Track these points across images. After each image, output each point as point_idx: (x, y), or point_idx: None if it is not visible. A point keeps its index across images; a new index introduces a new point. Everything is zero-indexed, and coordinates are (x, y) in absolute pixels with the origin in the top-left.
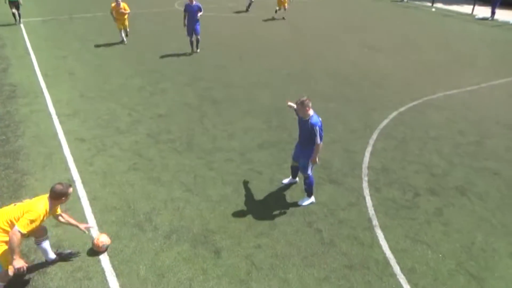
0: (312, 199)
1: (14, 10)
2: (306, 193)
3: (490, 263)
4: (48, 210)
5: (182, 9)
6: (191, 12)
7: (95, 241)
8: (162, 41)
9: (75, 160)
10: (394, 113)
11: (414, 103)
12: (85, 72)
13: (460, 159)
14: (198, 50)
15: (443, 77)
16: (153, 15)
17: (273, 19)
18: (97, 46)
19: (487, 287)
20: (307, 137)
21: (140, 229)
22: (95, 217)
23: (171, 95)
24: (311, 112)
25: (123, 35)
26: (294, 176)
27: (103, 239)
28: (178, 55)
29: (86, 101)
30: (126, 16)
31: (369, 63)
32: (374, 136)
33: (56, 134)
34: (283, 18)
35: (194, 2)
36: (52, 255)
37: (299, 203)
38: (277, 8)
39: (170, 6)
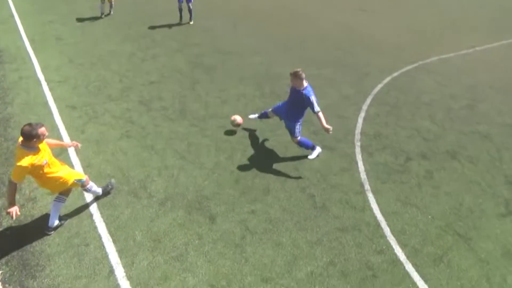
0: (318, 149)
1: None
2: (308, 150)
3: (478, 223)
4: (28, 154)
5: None
6: None
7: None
8: (152, 4)
9: (67, 128)
10: (388, 78)
11: (408, 67)
12: (74, 38)
13: (451, 123)
14: (192, 22)
15: (437, 40)
16: None
17: None
18: (85, 10)
19: (474, 246)
20: (297, 104)
21: (135, 196)
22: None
23: (162, 61)
24: (305, 83)
25: (107, 7)
26: (260, 116)
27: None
28: (169, 19)
29: (75, 67)
30: None
31: (362, 27)
32: (367, 101)
33: (46, 101)
34: None
35: None
36: (53, 221)
37: (309, 157)
38: None
39: None
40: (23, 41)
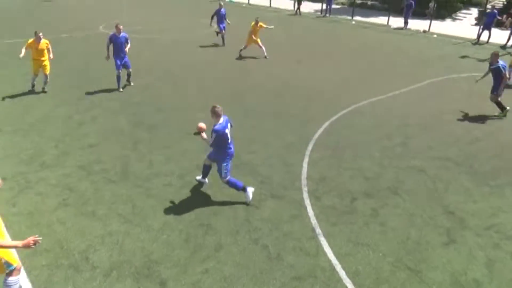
0: (250, 189)
1: None
2: (240, 191)
3: (425, 255)
4: None
5: (108, 32)
6: (118, 44)
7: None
8: (89, 66)
9: None
10: (327, 123)
11: (344, 111)
12: (2, 105)
13: (389, 160)
14: (132, 84)
15: (367, 85)
16: (77, 40)
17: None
18: (17, 76)
19: (425, 278)
20: (218, 143)
21: (75, 270)
22: (23, 263)
23: (102, 123)
24: (220, 119)
25: (42, 81)
26: (205, 174)
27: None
28: (107, 82)
29: (4, 137)
30: (46, 58)
31: (298, 77)
32: (310, 147)
33: None
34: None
35: (121, 33)
36: None
37: (246, 201)
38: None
39: (95, 29)
40: None
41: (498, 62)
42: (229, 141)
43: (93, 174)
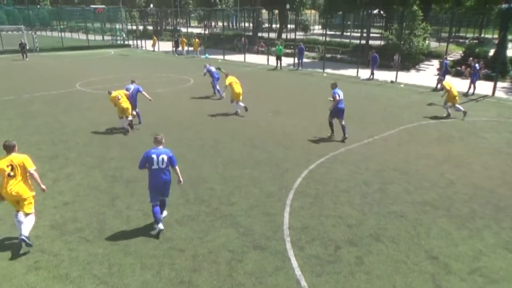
0: (160, 226)
1: None
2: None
3: None
4: None
5: (86, 89)
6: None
7: None
8: (63, 123)
9: None
10: (305, 172)
11: (322, 159)
12: None
13: (369, 207)
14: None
15: (342, 133)
16: (52, 97)
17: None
18: None
19: None
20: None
21: None
22: None
23: (77, 179)
24: (158, 146)
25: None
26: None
27: None
28: (82, 136)
29: None
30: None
31: (275, 127)
32: (290, 196)
33: None
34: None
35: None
36: None
37: (151, 232)
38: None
39: (71, 87)
40: None
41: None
42: (154, 167)
43: (67, 234)
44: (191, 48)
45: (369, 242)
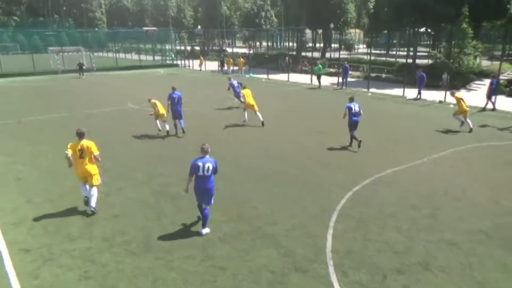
0: (206, 230)
1: None
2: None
3: None
4: None
5: (135, 107)
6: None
7: None
8: (116, 139)
9: (18, 274)
10: (349, 193)
11: (367, 181)
12: (34, 177)
13: (418, 233)
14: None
15: (388, 154)
16: (106, 114)
17: (226, 109)
18: (48, 149)
19: None
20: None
21: None
22: None
23: (127, 194)
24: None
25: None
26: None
27: None
28: (133, 152)
29: (33, 207)
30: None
31: (319, 146)
32: (334, 218)
33: None
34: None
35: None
36: None
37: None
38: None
39: (123, 105)
40: None
41: None
42: (199, 174)
43: (116, 246)
44: (236, 68)
45: (417, 271)
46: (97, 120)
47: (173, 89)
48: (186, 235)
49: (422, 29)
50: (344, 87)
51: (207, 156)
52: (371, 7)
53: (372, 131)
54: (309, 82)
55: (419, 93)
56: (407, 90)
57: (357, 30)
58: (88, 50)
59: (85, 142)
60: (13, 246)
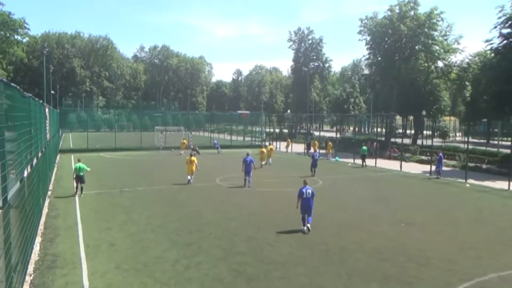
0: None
1: (78, 184)
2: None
3: None
4: None
5: (224, 184)
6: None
7: None
8: (201, 214)
9: None
10: None
11: (465, 284)
12: (125, 244)
13: None
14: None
15: (489, 255)
16: (196, 189)
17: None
18: (142, 218)
19: None
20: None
21: None
22: None
23: (205, 269)
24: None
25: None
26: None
27: None
28: (215, 228)
29: (120, 274)
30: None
31: (405, 239)
32: None
33: None
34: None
35: (249, 156)
36: None
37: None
38: (263, 162)
39: (212, 181)
40: (79, 247)
41: None
42: (304, 196)
43: None
44: (324, 151)
45: None
46: (187, 194)
47: (247, 154)
48: None
49: None
50: (438, 177)
51: (307, 185)
52: (467, 95)
53: (472, 227)
54: (399, 169)
55: None
56: None
57: (452, 118)
58: (187, 129)
59: (194, 157)
60: None
